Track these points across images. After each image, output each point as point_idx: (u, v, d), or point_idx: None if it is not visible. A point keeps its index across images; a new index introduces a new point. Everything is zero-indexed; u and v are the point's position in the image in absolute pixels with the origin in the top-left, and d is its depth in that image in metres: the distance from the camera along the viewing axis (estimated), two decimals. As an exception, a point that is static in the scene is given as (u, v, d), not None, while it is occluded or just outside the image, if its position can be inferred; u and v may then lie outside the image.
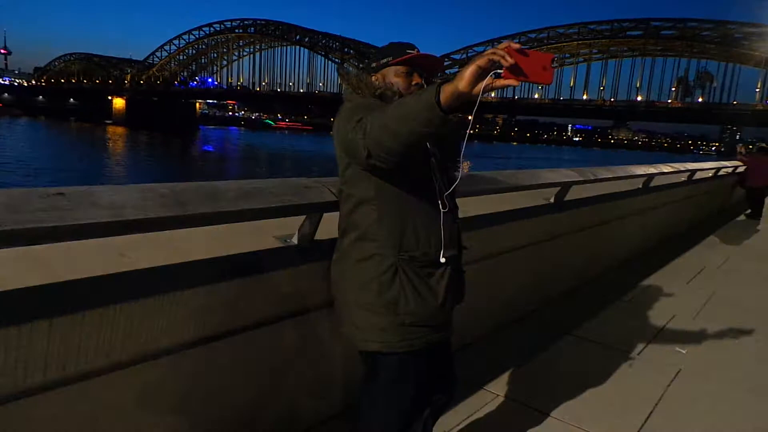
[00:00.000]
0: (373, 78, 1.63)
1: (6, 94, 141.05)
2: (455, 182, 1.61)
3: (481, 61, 1.16)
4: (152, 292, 1.49)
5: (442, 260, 1.55)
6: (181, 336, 1.60)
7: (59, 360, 1.34)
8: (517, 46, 1.16)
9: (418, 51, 1.63)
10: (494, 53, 1.16)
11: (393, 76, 1.62)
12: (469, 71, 1.16)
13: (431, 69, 1.68)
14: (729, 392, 2.96)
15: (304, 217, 1.92)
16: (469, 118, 1.32)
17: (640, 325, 3.90)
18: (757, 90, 75.60)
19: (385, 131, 1.30)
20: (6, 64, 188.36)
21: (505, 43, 1.17)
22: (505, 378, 2.92)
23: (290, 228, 2.01)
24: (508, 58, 1.14)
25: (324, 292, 2.03)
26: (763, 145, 11.48)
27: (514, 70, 1.15)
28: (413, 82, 1.62)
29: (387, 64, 1.63)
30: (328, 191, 1.82)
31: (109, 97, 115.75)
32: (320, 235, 2.01)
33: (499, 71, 1.16)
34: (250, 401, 1.98)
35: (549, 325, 3.75)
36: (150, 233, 1.72)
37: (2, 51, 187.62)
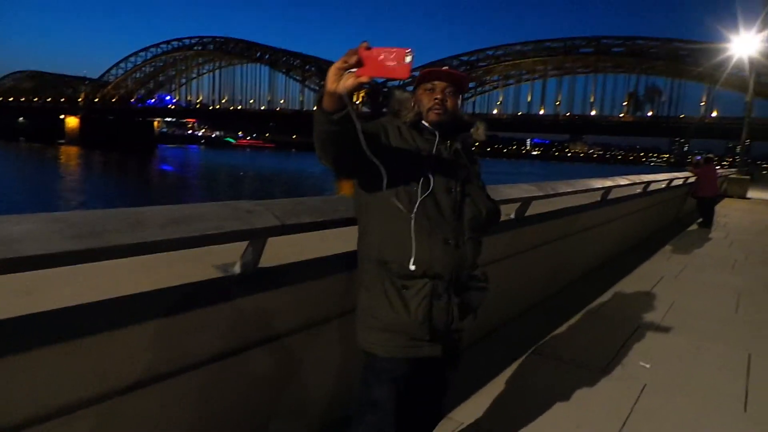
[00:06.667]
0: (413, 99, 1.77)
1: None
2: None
3: (337, 63, 1.29)
4: (67, 336, 1.30)
5: (412, 267, 1.59)
6: (102, 385, 1.41)
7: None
8: (366, 44, 1.27)
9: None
10: (347, 53, 1.28)
11: (419, 95, 1.76)
12: (330, 72, 1.31)
13: (438, 79, 1.73)
14: (694, 407, 2.91)
15: (247, 243, 1.76)
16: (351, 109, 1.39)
17: (603, 339, 3.86)
18: (702, 104, 79.41)
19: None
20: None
21: (361, 44, 1.28)
22: (469, 404, 2.79)
23: (231, 255, 1.84)
24: (354, 57, 1.26)
25: (270, 324, 1.88)
26: (710, 155, 11.95)
27: (367, 68, 1.26)
28: (434, 97, 1.71)
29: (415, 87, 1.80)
30: (272, 216, 1.68)
31: (62, 116, 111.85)
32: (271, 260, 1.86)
33: (354, 69, 1.28)
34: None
35: (513, 343, 3.66)
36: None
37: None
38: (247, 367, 1.89)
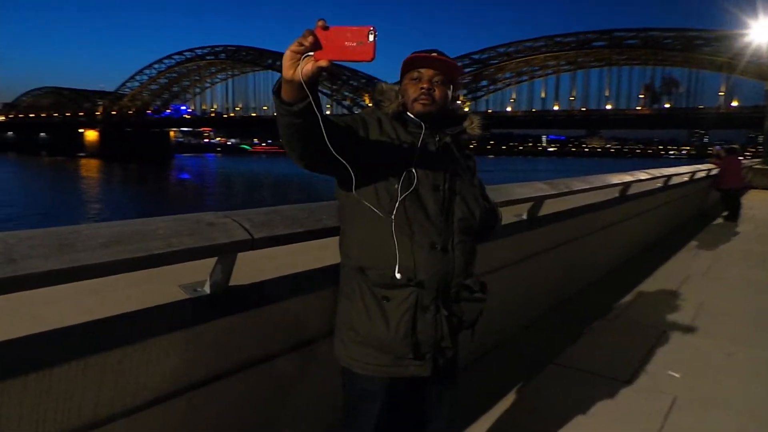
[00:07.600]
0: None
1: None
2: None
3: (292, 46, 1.13)
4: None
5: (398, 276, 1.42)
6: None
7: None
8: (323, 23, 1.10)
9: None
10: (303, 34, 1.11)
11: (405, 85, 1.58)
12: (285, 57, 1.14)
13: (424, 67, 1.54)
14: (731, 422, 2.64)
15: (215, 259, 1.56)
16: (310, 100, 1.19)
17: (627, 347, 3.58)
18: (720, 94, 77.57)
19: None
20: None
21: (318, 23, 1.12)
22: (479, 425, 2.55)
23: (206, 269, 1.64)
24: (310, 39, 1.09)
25: (245, 349, 1.67)
26: (734, 146, 11.49)
27: (326, 50, 1.10)
28: (420, 87, 1.53)
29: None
30: (239, 227, 1.47)
31: (81, 130, 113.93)
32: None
33: (311, 53, 1.11)
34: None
35: (529, 354, 3.40)
36: None
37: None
38: (227, 395, 1.69)
